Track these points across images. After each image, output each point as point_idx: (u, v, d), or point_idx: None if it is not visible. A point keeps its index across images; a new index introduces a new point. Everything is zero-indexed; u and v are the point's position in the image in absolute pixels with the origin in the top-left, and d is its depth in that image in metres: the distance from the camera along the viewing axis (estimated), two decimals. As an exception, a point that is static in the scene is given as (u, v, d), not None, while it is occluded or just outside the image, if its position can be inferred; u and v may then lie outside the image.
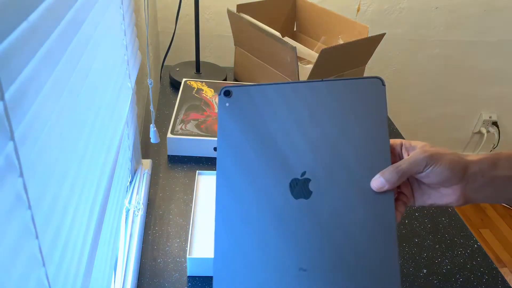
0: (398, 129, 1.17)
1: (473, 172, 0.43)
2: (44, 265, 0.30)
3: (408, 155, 0.45)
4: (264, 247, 0.42)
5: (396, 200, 0.46)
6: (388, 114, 1.47)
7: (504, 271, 1.72)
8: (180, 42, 1.58)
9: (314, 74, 1.02)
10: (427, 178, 0.44)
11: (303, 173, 0.43)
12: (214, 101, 1.07)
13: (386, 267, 0.41)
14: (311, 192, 0.43)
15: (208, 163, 0.94)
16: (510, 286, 0.71)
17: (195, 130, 0.95)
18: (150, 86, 0.79)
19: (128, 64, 0.69)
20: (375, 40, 1.09)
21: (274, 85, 0.45)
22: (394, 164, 0.43)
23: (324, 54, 0.98)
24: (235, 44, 1.26)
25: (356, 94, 0.44)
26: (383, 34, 1.08)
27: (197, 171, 0.85)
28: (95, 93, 0.47)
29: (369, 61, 1.18)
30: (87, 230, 0.42)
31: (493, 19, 1.72)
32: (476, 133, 2.08)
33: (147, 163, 0.89)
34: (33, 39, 0.27)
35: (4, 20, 0.23)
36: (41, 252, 0.29)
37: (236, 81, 1.30)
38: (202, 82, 1.15)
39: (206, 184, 0.82)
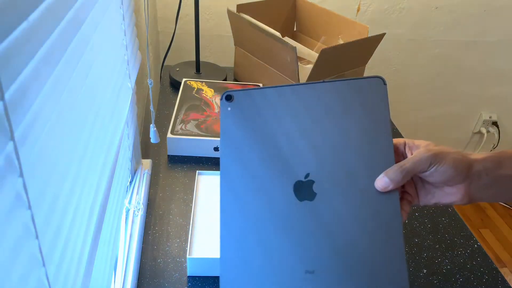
0: (398, 129, 1.18)
1: (477, 170, 0.43)
2: (44, 265, 0.30)
3: (412, 154, 0.45)
4: (270, 251, 0.42)
5: (401, 199, 0.46)
6: (388, 114, 1.47)
7: (504, 271, 1.72)
8: (180, 42, 1.58)
9: (314, 74, 1.02)
10: (431, 177, 0.44)
11: (307, 175, 0.43)
12: (214, 101, 1.07)
13: (393, 267, 0.41)
14: (316, 193, 0.43)
15: (208, 163, 0.94)
16: (510, 286, 0.71)
17: (195, 130, 0.95)
18: (150, 86, 0.79)
19: (128, 64, 0.69)
20: (375, 40, 1.09)
21: (275, 88, 0.45)
22: (398, 163, 0.43)
23: (324, 54, 0.98)
24: (235, 44, 1.26)
25: (357, 94, 0.44)
26: (383, 34, 1.08)
27: (197, 171, 0.85)
28: (95, 93, 0.47)
29: (369, 61, 1.18)
30: (87, 230, 0.42)
31: (493, 19, 1.72)
32: (476, 133, 2.08)
33: (147, 163, 0.89)
34: (33, 39, 0.27)
35: (4, 20, 0.23)
36: (41, 252, 0.29)
37: (236, 81, 1.30)
38: (202, 82, 1.15)
39: (206, 184, 0.82)
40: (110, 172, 0.54)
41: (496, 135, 2.06)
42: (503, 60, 1.85)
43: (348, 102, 0.44)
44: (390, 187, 0.42)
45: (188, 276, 0.68)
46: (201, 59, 1.40)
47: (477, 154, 0.44)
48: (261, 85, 1.18)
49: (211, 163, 0.94)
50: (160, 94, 1.22)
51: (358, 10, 1.63)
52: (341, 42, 1.20)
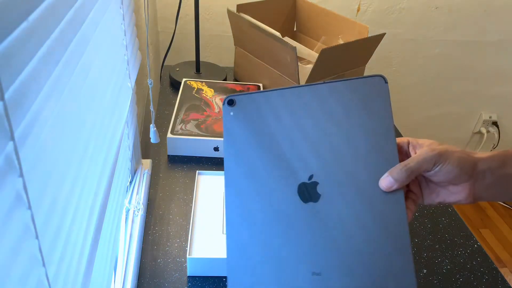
0: (398, 129, 1.18)
1: (482, 169, 0.43)
2: (44, 265, 0.30)
3: (416, 153, 0.45)
4: (276, 253, 0.42)
5: (406, 198, 0.46)
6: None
7: (504, 271, 1.72)
8: (180, 42, 1.58)
9: (314, 74, 1.02)
10: (435, 177, 0.44)
11: (311, 177, 0.43)
12: (214, 101, 1.07)
13: (400, 267, 0.41)
14: (320, 195, 0.43)
15: (208, 163, 0.94)
16: (510, 286, 0.71)
17: (195, 130, 0.95)
18: (150, 86, 0.79)
19: (128, 64, 0.69)
20: (375, 40, 1.09)
21: (276, 91, 0.45)
22: (402, 163, 0.43)
23: (324, 54, 0.98)
24: (235, 44, 1.26)
25: (359, 94, 0.44)
26: (383, 34, 1.08)
27: (197, 171, 0.85)
28: (95, 93, 0.47)
29: (369, 61, 1.18)
30: (87, 230, 0.42)
31: (493, 19, 1.72)
32: (476, 133, 2.08)
33: (147, 163, 0.89)
34: (33, 39, 0.27)
35: (4, 20, 0.23)
36: (41, 252, 0.29)
37: (236, 81, 1.30)
38: (202, 82, 1.15)
39: (206, 184, 0.82)
40: (110, 172, 0.54)
41: (496, 135, 2.06)
42: (503, 60, 1.85)
43: (350, 102, 0.44)
44: (395, 186, 0.42)
45: (188, 276, 0.68)
46: (201, 59, 1.40)
47: (482, 153, 0.44)
48: (261, 85, 1.18)
49: (211, 163, 0.94)
50: (160, 94, 1.22)
51: (358, 10, 1.63)
52: (341, 42, 1.20)
